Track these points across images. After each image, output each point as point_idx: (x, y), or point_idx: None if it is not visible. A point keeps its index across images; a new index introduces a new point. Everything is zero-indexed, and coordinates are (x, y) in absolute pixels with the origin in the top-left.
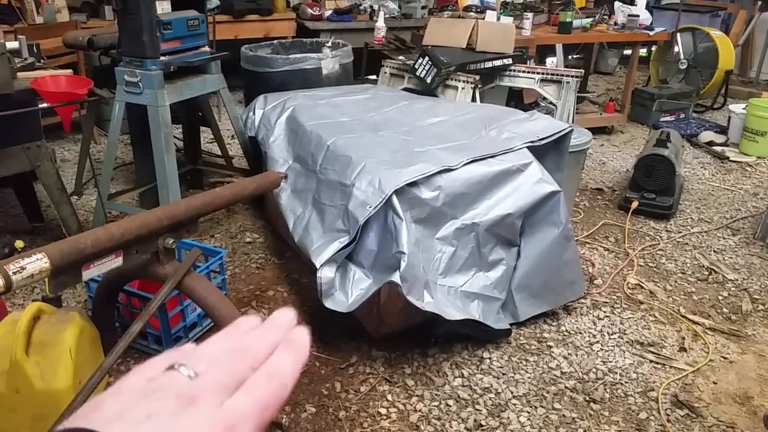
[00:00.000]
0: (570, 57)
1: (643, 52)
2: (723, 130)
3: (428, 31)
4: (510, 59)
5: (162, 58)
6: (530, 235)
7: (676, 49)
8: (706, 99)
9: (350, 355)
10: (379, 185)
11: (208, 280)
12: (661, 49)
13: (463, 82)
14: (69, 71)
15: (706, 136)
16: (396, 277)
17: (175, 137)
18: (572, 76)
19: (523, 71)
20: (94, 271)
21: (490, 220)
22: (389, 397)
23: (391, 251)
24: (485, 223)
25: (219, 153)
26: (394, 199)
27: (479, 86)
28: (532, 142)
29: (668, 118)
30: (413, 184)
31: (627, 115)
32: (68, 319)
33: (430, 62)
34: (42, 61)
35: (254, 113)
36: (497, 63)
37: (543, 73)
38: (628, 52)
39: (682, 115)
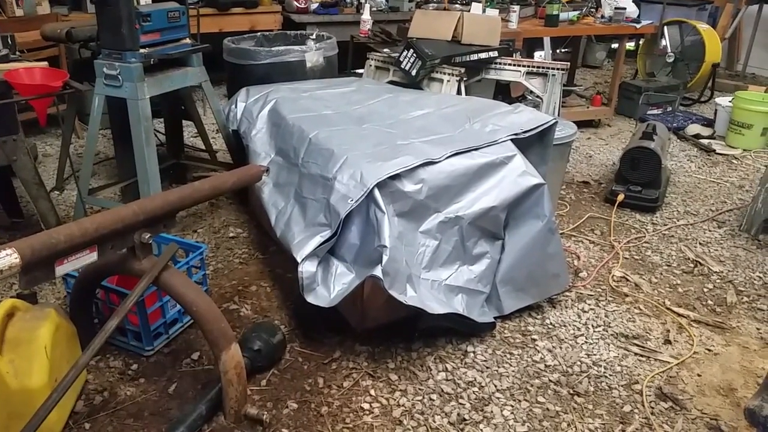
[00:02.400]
0: (558, 50)
1: (630, 45)
2: (710, 123)
3: (413, 23)
4: (495, 52)
5: (142, 50)
6: (514, 228)
7: (663, 42)
8: (693, 92)
9: (333, 350)
10: (361, 178)
11: (188, 275)
12: (649, 42)
13: (449, 74)
14: (44, 63)
15: (693, 129)
16: (378, 271)
17: (157, 131)
18: (558, 69)
19: (509, 64)
20: (68, 267)
21: (473, 213)
22: (372, 392)
23: (374, 245)
24: (469, 216)
25: (203, 147)
26: (376, 192)
27: (464, 79)
28: (515, 134)
29: (655, 111)
30: (396, 177)
31: (614, 109)
32: (44, 316)
33: (415, 55)
34: (18, 53)
35: (236, 106)
36: (483, 56)
37: (529, 66)
38: (616, 45)
39: (669, 108)
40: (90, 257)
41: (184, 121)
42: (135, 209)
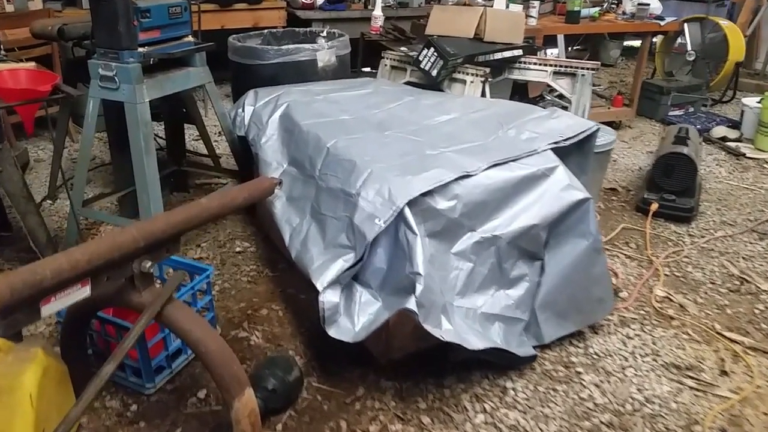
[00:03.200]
0: (570, 48)
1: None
2: (735, 125)
3: (432, 20)
4: (520, 50)
5: (140, 49)
6: (555, 247)
7: (681, 40)
8: (714, 92)
9: (356, 387)
10: (389, 195)
11: (193, 306)
12: (667, 40)
13: (472, 75)
14: (32, 64)
15: (719, 131)
16: (411, 304)
17: (157, 136)
18: (588, 69)
19: (534, 63)
20: (56, 306)
21: (512, 232)
22: None
23: (403, 271)
24: (507, 235)
25: (205, 152)
26: (407, 211)
27: (489, 79)
28: (555, 142)
29: (677, 113)
30: (427, 194)
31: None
32: (29, 358)
33: (436, 54)
34: (3, 52)
35: (243, 110)
36: (507, 54)
37: (556, 66)
38: (630, 42)
39: (691, 109)
40: (82, 292)
41: (185, 124)
42: (134, 234)
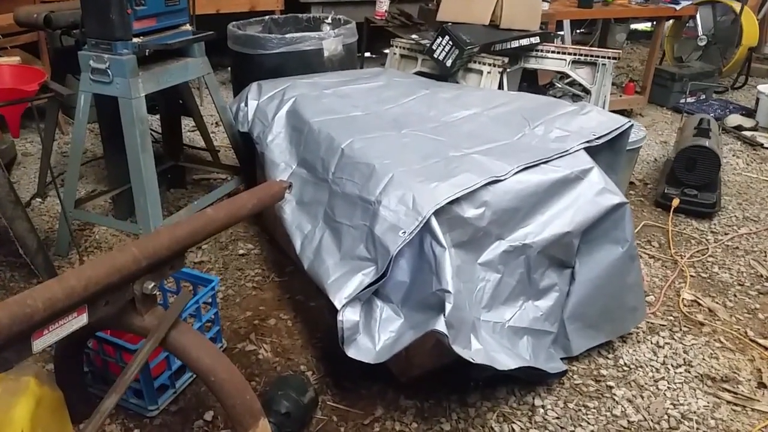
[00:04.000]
0: (575, 32)
1: (646, 26)
2: (749, 113)
3: (443, 5)
4: (537, 38)
5: (135, 39)
6: (587, 254)
7: (691, 24)
8: (725, 78)
9: (374, 406)
10: (414, 204)
11: (198, 320)
12: (677, 24)
13: (489, 65)
14: (17, 59)
15: (734, 119)
16: (441, 325)
17: (152, 129)
18: (609, 58)
19: (552, 51)
20: (50, 339)
21: (544, 240)
22: None
23: (429, 285)
24: (538, 244)
25: (202, 145)
26: (434, 222)
27: (507, 70)
28: (588, 141)
29: (690, 100)
30: (454, 201)
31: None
32: (20, 389)
33: (450, 42)
34: None
35: (246, 104)
36: (524, 42)
37: (575, 54)
38: (636, 26)
39: (703, 96)
40: (78, 321)
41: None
42: (135, 254)
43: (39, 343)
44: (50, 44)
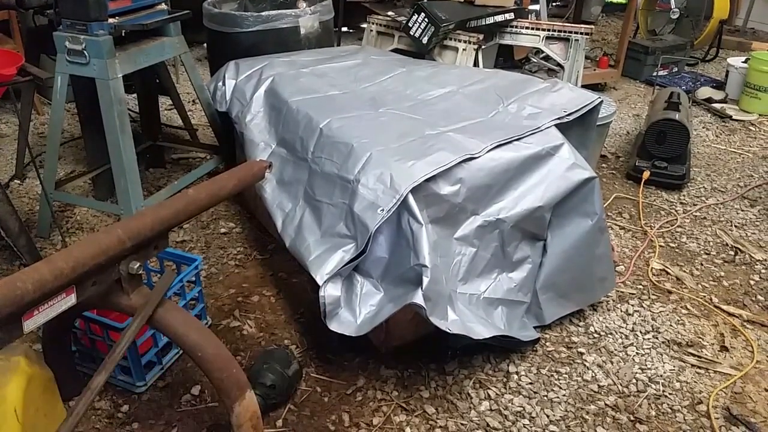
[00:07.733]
0: (551, 5)
1: None
2: (719, 85)
3: None
4: (512, 14)
5: (110, 20)
6: (558, 227)
7: None
8: (696, 50)
9: (356, 376)
10: (391, 182)
11: (182, 298)
12: None
13: (464, 42)
14: None
15: (704, 92)
16: (418, 298)
17: (129, 109)
18: (581, 33)
19: (526, 27)
20: (40, 319)
21: (516, 214)
22: (408, 430)
23: (407, 260)
24: (511, 218)
25: (180, 123)
26: (411, 199)
27: (482, 46)
28: (559, 118)
29: (662, 73)
30: (430, 179)
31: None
32: (11, 369)
33: (426, 19)
34: None
35: (224, 84)
36: (499, 18)
37: (548, 30)
38: None
39: (675, 69)
40: (66, 302)
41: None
42: (119, 235)
43: (30, 324)
44: (22, 23)
